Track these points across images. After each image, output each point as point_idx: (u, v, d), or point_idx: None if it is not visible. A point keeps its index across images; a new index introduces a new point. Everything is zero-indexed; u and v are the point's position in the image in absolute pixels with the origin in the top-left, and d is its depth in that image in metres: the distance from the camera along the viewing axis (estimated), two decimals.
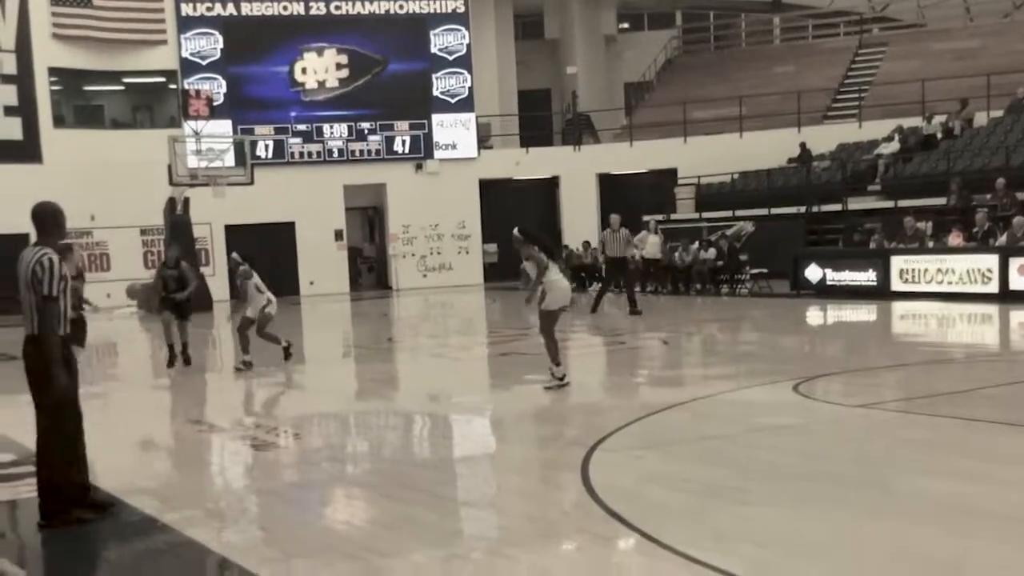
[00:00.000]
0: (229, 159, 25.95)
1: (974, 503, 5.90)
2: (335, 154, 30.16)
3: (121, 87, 30.41)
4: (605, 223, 22.12)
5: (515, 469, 7.72)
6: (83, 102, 30.64)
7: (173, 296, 13.70)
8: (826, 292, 20.28)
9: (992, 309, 16.68)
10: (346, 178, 30.02)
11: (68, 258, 8.66)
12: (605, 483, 6.53)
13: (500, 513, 6.49)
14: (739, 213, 24.84)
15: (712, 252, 22.75)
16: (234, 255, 13.47)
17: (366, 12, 30.31)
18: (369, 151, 30.33)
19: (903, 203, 22.39)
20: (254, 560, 5.44)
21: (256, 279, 13.09)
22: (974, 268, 17.94)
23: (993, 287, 17.56)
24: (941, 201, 21.62)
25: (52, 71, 28.07)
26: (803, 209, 24.74)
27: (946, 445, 7.46)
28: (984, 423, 8.09)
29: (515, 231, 10.56)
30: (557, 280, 10.39)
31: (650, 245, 23.27)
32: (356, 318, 24.29)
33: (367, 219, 33.44)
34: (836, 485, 6.46)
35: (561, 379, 10.32)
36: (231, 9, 29.53)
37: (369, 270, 33.16)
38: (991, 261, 17.70)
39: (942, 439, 7.68)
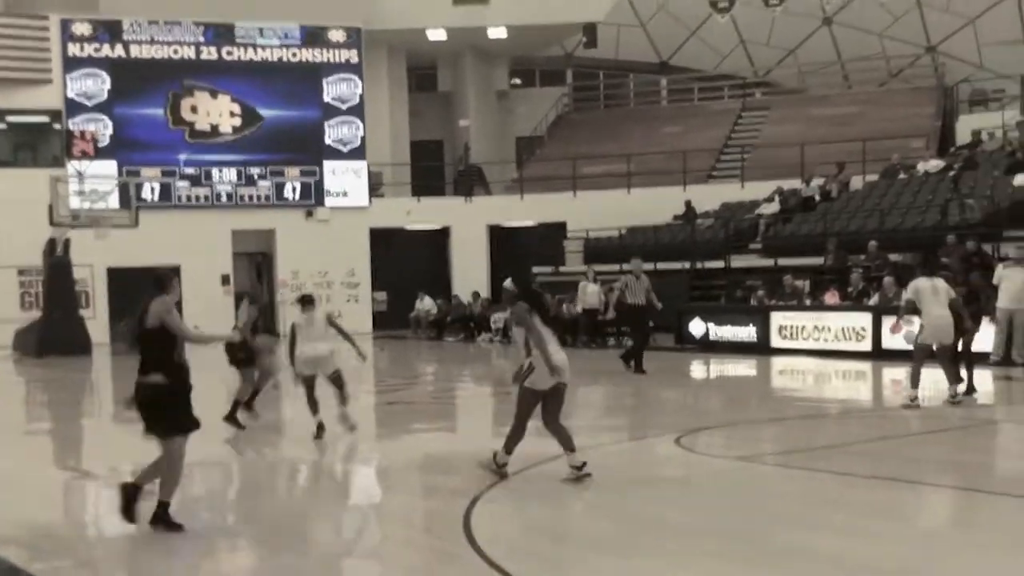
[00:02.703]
0: (113, 201, 25.40)
1: (850, 557, 6.05)
2: (224, 198, 29.73)
3: (3, 125, 29.55)
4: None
5: (399, 519, 7.67)
6: None
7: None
8: (709, 346, 20.69)
9: (865, 366, 17.21)
10: (234, 223, 29.60)
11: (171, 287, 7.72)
12: (488, 534, 6.54)
13: (382, 564, 6.45)
14: (626, 267, 25.13)
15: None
16: None
17: (258, 59, 30.09)
18: (259, 196, 30.00)
19: (783, 261, 22.98)
20: None
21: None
22: (848, 326, 18.54)
23: (866, 345, 18.14)
24: (819, 261, 22.27)
25: None
26: (688, 265, 25.26)
27: (823, 499, 7.66)
28: (859, 477, 8.34)
29: (507, 283, 8.44)
30: (555, 352, 8.06)
31: (589, 295, 22.69)
32: None
33: (255, 265, 32.98)
34: (717, 538, 6.58)
35: (581, 466, 8.15)
36: (119, 51, 29.01)
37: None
38: (864, 319, 18.31)
39: (819, 493, 7.88)
